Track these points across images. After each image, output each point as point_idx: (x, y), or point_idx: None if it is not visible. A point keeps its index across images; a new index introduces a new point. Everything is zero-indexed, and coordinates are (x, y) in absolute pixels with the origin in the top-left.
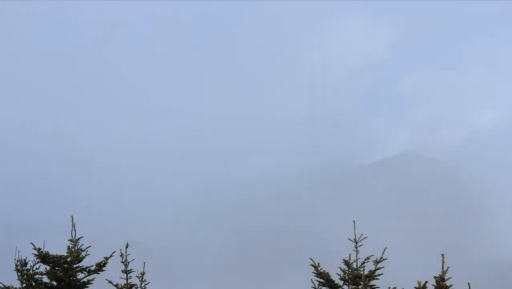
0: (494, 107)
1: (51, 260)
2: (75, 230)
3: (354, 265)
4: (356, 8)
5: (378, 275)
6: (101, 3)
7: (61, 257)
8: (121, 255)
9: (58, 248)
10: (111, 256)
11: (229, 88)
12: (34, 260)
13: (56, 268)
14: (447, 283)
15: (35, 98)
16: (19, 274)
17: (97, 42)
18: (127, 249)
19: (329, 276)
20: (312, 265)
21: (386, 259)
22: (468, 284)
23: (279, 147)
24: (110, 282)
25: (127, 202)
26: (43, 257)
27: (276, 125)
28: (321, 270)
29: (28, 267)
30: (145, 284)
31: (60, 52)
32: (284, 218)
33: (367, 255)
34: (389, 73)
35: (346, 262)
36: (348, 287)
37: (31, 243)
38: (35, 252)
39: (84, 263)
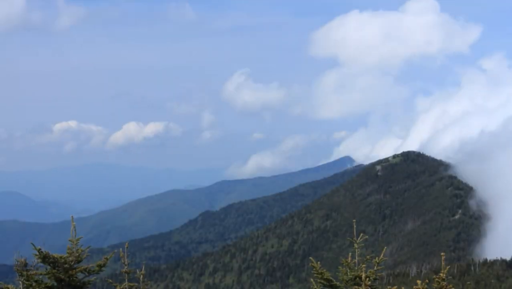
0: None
1: (51, 260)
2: (75, 230)
3: (354, 265)
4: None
5: (378, 275)
6: None
7: (61, 257)
8: (121, 255)
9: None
10: (111, 256)
11: None
12: (34, 260)
13: (57, 268)
14: (447, 283)
15: None
16: (19, 274)
17: None
18: (127, 249)
19: (329, 276)
20: (312, 266)
21: (386, 259)
22: (468, 284)
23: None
24: (110, 282)
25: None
26: (44, 257)
27: None
28: (321, 270)
29: (28, 267)
30: (145, 284)
31: None
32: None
33: (367, 255)
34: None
35: (346, 262)
36: (349, 287)
37: (31, 243)
38: (35, 252)
39: (84, 263)
